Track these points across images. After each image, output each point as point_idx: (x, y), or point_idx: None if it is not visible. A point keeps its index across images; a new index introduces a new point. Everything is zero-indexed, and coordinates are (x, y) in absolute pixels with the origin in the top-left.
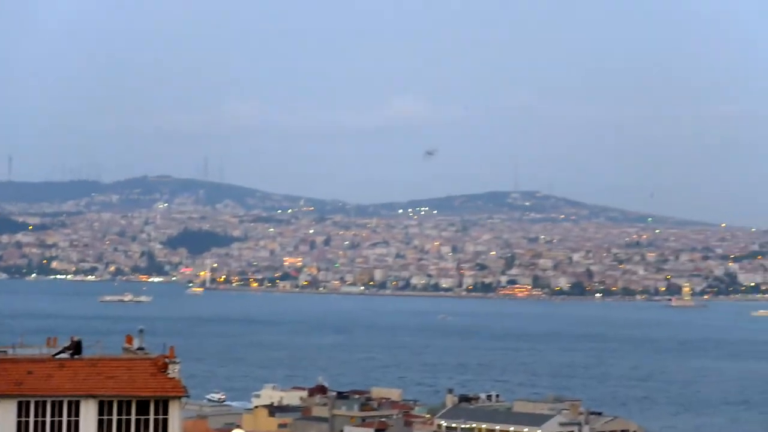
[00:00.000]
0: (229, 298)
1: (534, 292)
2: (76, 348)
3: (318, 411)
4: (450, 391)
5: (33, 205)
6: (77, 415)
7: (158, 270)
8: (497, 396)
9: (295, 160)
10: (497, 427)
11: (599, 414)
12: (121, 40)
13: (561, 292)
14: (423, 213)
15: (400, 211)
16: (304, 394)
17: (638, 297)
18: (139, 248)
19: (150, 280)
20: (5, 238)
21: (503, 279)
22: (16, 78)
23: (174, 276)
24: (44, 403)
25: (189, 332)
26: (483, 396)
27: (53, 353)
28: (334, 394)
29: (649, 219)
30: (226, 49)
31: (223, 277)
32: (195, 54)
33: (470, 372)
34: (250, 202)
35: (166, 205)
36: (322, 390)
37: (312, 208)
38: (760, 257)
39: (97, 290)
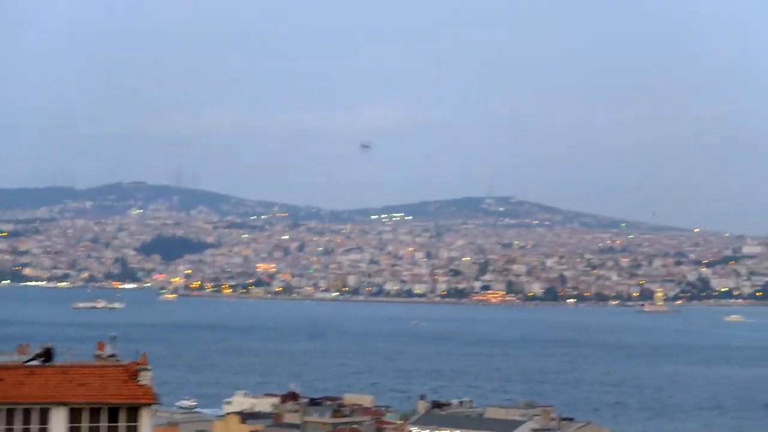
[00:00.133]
0: (202, 304)
1: (507, 298)
2: (47, 355)
3: (290, 418)
4: (422, 397)
5: (6, 211)
6: (48, 422)
7: (131, 276)
8: (470, 402)
9: (269, 166)
10: None
11: (571, 420)
12: (108, 42)
13: (534, 298)
14: (397, 219)
15: (374, 217)
16: (276, 400)
17: (611, 302)
18: (113, 255)
19: (123, 286)
20: None
21: (477, 285)
22: None
23: (147, 282)
24: (14, 410)
25: (161, 339)
26: (455, 402)
27: (24, 360)
28: (306, 400)
29: (623, 224)
30: (199, 55)
31: (197, 283)
32: (170, 61)
33: (443, 378)
34: (224, 208)
35: (140, 211)
36: (294, 397)
37: (286, 214)
38: (732, 262)
39: (70, 297)
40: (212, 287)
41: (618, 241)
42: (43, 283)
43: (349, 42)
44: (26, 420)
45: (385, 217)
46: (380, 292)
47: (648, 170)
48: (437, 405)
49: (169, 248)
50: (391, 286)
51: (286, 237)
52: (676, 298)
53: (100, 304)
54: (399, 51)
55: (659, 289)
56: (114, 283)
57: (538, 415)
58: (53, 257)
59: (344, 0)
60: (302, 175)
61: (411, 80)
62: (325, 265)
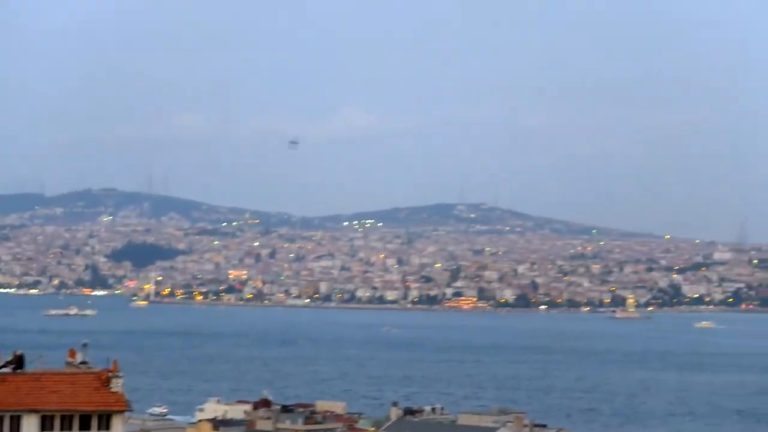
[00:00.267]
0: (173, 311)
1: (479, 305)
2: (18, 362)
3: (262, 425)
4: (395, 404)
5: None
6: (20, 430)
7: (102, 283)
8: (442, 409)
9: (240, 172)
10: None
11: (544, 426)
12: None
13: (506, 304)
14: (368, 225)
15: (346, 223)
16: (249, 407)
17: (583, 309)
18: (83, 261)
19: (94, 293)
20: None
21: (448, 291)
22: None
23: (118, 289)
24: None
25: (133, 346)
26: (428, 409)
27: None
28: (279, 407)
29: (594, 231)
30: (170, 61)
31: (168, 290)
32: (140, 67)
33: (415, 384)
34: (195, 215)
35: (111, 218)
36: (266, 403)
37: (257, 220)
38: (703, 269)
39: (42, 304)
40: (183, 294)
41: (589, 248)
42: (14, 290)
43: (320, 48)
44: None
45: (356, 224)
46: (352, 298)
47: (618, 177)
48: (410, 412)
49: (140, 255)
50: (363, 293)
51: (258, 244)
52: (647, 304)
53: (73, 311)
54: (370, 57)
55: (631, 296)
56: (85, 290)
57: (510, 421)
58: (24, 264)
59: (316, 5)
60: (273, 182)
61: (382, 87)
62: (296, 272)
